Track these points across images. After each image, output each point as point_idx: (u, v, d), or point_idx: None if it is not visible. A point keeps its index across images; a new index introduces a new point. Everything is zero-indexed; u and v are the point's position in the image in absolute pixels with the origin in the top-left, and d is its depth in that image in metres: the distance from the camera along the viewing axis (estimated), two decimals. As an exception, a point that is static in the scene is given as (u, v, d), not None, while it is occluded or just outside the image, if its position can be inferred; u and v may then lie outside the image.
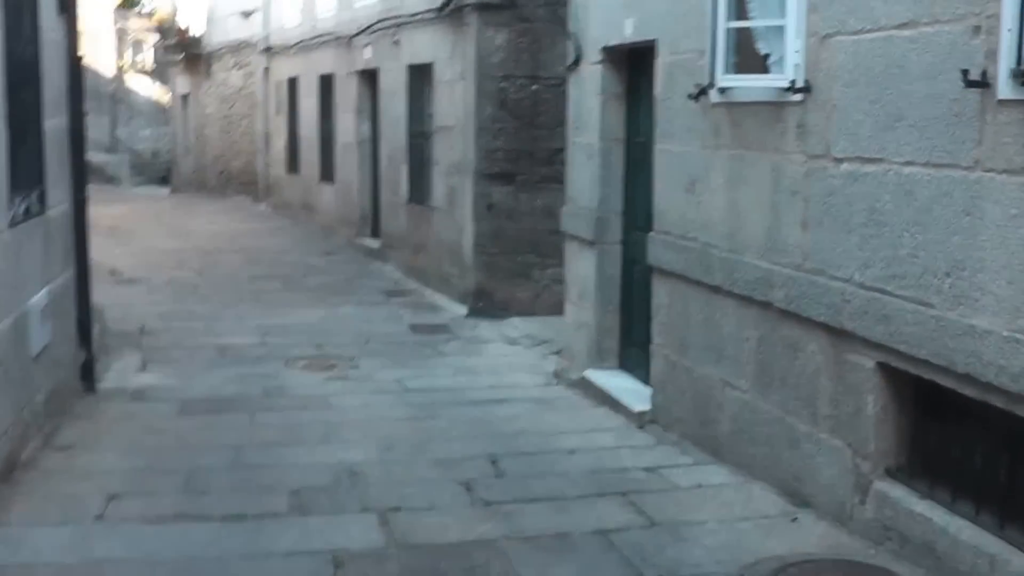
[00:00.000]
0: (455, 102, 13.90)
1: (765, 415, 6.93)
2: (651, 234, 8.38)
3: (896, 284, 5.64)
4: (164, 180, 37.99)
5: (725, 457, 7.43)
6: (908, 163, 5.54)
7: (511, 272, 13.50)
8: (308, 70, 21.84)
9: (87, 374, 9.57)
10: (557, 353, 11.39)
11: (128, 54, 46.52)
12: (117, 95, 46.79)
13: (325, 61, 20.48)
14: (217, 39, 29.59)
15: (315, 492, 7.00)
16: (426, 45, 15.05)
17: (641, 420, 8.50)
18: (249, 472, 7.47)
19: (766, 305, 6.81)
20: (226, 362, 11.02)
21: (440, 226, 14.60)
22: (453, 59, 13.99)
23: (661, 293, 8.28)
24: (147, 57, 44.26)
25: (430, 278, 15.02)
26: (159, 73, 42.03)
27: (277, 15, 24.08)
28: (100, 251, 18.42)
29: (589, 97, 9.59)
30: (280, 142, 24.38)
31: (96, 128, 46.58)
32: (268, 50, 24.86)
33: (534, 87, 13.34)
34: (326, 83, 20.59)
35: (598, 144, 9.44)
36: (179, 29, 32.34)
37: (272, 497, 6.91)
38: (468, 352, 11.66)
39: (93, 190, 30.41)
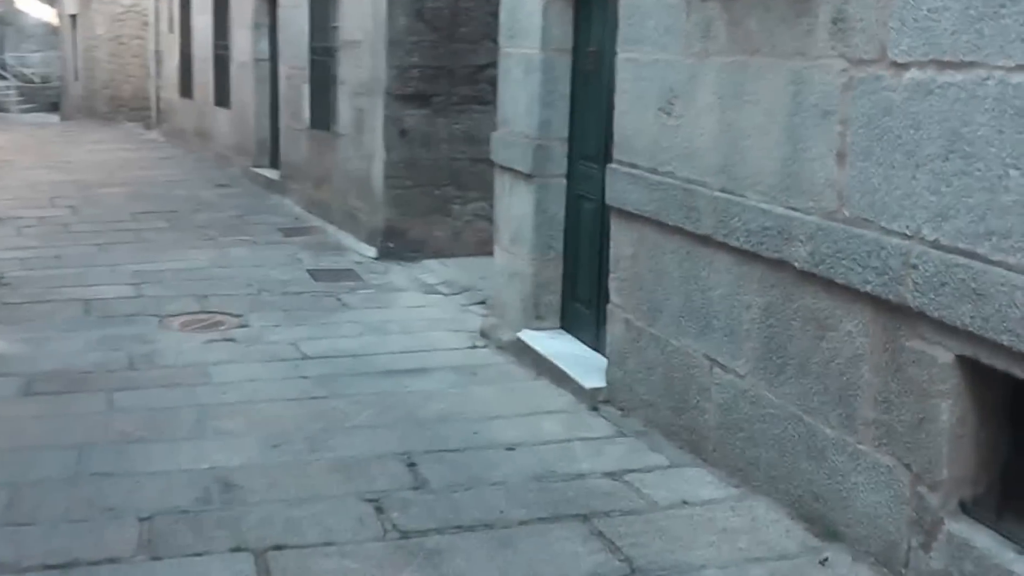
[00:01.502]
0: (364, 13, 11.88)
1: (773, 410, 5.14)
2: (611, 166, 6.52)
3: (993, 245, 3.84)
4: (55, 107, 35.40)
5: (711, 457, 5.64)
6: (1020, 67, 3.73)
7: (427, 207, 11.59)
8: (201, -17, 19.63)
9: (-92, 345, 7.64)
10: (482, 304, 9.55)
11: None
12: (5, 18, 43.95)
13: (218, -27, 18.31)
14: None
15: (173, 519, 5.13)
16: (328, -51, 13.01)
17: (594, 399, 6.69)
18: (93, 486, 5.56)
19: (779, 264, 4.99)
20: (90, 321, 9.03)
21: (346, 155, 12.62)
22: (359, -37, 11.98)
23: (623, 241, 6.43)
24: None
25: (334, 214, 13.05)
26: (51, -7, 39.26)
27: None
28: (-32, 187, 16.49)
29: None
30: (172, 64, 22.12)
31: (-17, 52, 43.89)
32: (159, -37, 22.58)
33: (454, -6, 11.40)
34: (220, -3, 18.42)
35: (539, 56, 7.54)
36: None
37: (116, 528, 5.06)
38: (377, 303, 9.75)
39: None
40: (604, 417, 6.50)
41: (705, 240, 5.55)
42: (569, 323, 7.74)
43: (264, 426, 6.46)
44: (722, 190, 5.41)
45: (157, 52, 23.30)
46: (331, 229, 12.94)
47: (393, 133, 11.37)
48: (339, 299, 9.84)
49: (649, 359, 6.18)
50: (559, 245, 7.74)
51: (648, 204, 6.03)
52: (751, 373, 5.29)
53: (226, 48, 18.16)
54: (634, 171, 6.20)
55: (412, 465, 5.77)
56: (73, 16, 31.02)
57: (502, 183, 8.27)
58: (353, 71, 12.24)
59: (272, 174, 15.93)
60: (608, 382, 6.66)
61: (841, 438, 4.67)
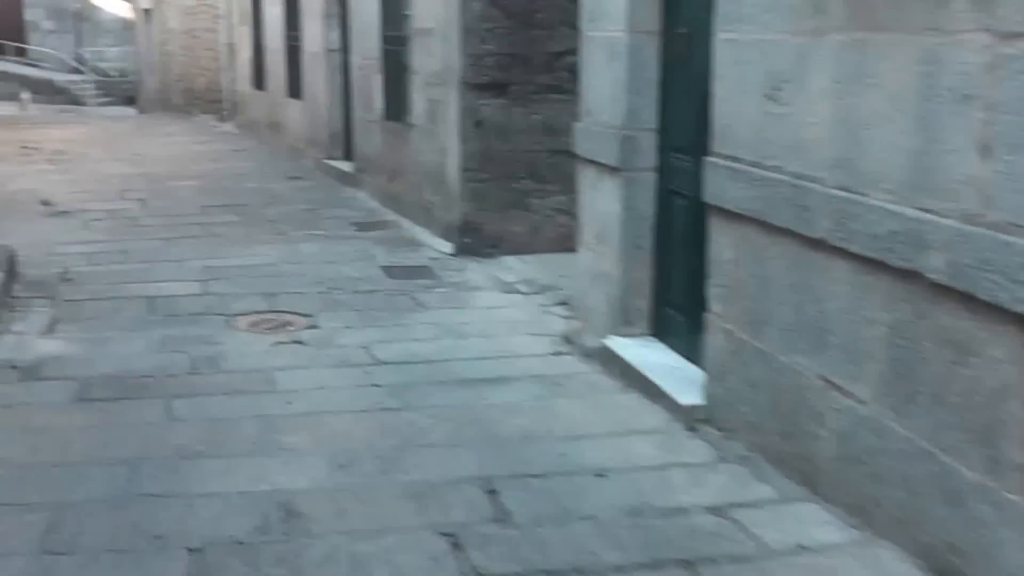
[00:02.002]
0: (436, 0, 11.33)
1: (900, 444, 4.49)
2: (708, 159, 5.89)
3: None
4: (132, 100, 35.25)
5: (826, 492, 4.99)
6: None
7: (504, 202, 11.00)
8: (273, -27, 19.17)
9: (-37, 346, 7.20)
10: (563, 305, 8.95)
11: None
12: (82, 13, 43.94)
13: (290, -38, 17.84)
14: (180, -54, 26.80)
15: (227, 551, 4.61)
16: (401, -66, 12.45)
17: (691, 418, 6.05)
18: (141, 509, 5.05)
19: (908, 275, 4.33)
20: (154, 320, 8.56)
21: (420, 147, 12.06)
22: (432, -52, 11.41)
23: (723, 243, 5.80)
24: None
25: (409, 208, 12.50)
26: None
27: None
28: (37, 179, 16.03)
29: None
30: (245, 56, 21.70)
31: (61, 48, 43.91)
32: (231, -46, 22.17)
33: (532, -22, 10.80)
34: (292, -14, 17.92)
35: (625, 39, 6.91)
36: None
37: (162, 561, 4.55)
38: (454, 303, 9.19)
39: (54, 112, 27.83)
40: (703, 439, 5.86)
41: (819, 244, 4.90)
42: (660, 330, 7.12)
43: (332, 442, 5.91)
44: (839, 187, 4.77)
45: (229, 44, 22.91)
46: (406, 224, 12.40)
47: (468, 124, 10.79)
48: (414, 298, 9.29)
49: (754, 376, 5.55)
50: (649, 245, 7.12)
51: (751, 202, 5.39)
52: (874, 400, 4.64)
53: (297, 39, 17.68)
54: (735, 165, 5.57)
55: (493, 492, 5.18)
56: (147, 10, 30.80)
57: (586, 177, 7.66)
58: (426, 60, 11.68)
59: (345, 166, 15.43)
60: (707, 399, 6.02)
61: (984, 483, 4.02)
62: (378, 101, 13.55)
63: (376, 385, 6.92)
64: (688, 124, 6.60)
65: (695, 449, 5.76)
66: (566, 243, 10.89)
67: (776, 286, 5.30)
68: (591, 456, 5.65)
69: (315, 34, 16.53)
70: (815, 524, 4.83)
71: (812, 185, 4.94)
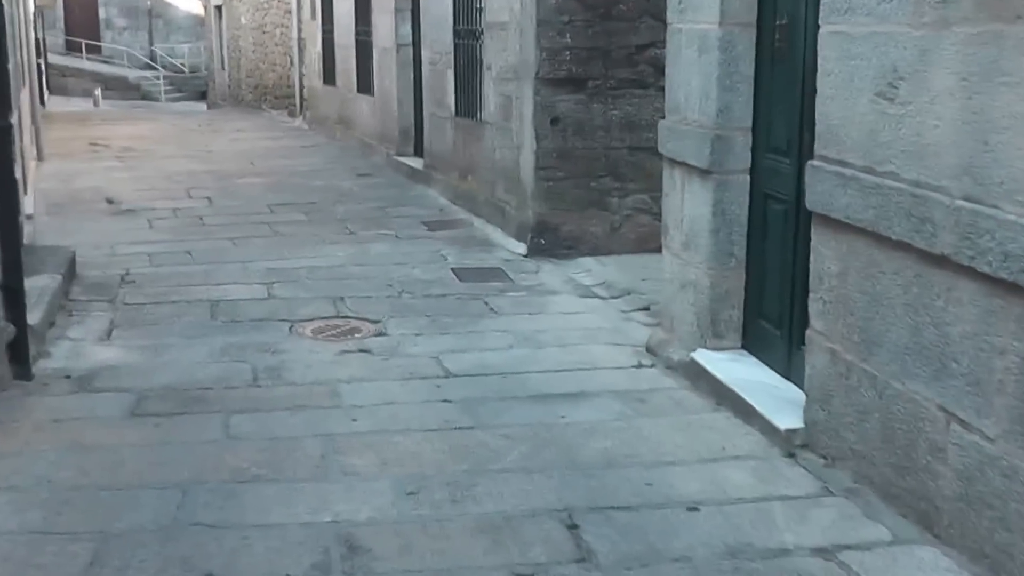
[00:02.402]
0: (510, -9, 10.88)
1: (1039, 483, 3.97)
2: (811, 163, 5.35)
3: None
4: (203, 96, 35.16)
5: (945, 534, 4.44)
6: None
7: (581, 201, 10.50)
8: (343, -33, 18.79)
9: (17, 355, 6.82)
10: (644, 311, 8.48)
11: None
12: (154, 10, 44.05)
13: (361, -46, 17.45)
14: (252, -59, 26.53)
15: (283, 594, 4.17)
16: (475, -76, 12.00)
17: (789, 443, 5.52)
18: (192, 541, 4.64)
19: (1052, 296, 3.82)
20: (216, 326, 8.16)
21: (493, 144, 11.60)
22: (508, -63, 10.94)
23: (828, 255, 5.26)
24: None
25: (481, 206, 12.05)
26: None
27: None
28: (104, 176, 15.77)
29: (702, -35, 6.56)
30: (315, 51, 21.36)
31: (133, 44, 44.04)
32: (303, -52, 21.83)
33: (611, -32, 10.30)
34: (362, -20, 17.52)
35: (716, 31, 6.40)
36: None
37: (212, 605, 4.10)
38: (528, 309, 8.71)
39: (126, 108, 27.67)
40: (803, 467, 5.33)
41: (942, 261, 4.37)
42: (752, 344, 6.60)
43: (399, 465, 5.46)
44: (966, 198, 4.23)
45: (300, 39, 22.58)
46: (478, 223, 11.94)
47: (544, 120, 10.31)
48: (486, 303, 8.83)
49: (862, 401, 5.01)
50: (741, 252, 6.59)
51: (862, 211, 4.86)
52: (1004, 437, 4.10)
53: (368, 34, 17.28)
54: (843, 170, 5.04)
55: (574, 527, 4.70)
56: (218, 7, 30.64)
57: (672, 178, 7.15)
58: (500, 55, 11.21)
59: (416, 163, 15.00)
60: (807, 423, 5.49)
61: None
62: (450, 97, 13.11)
63: (447, 400, 6.46)
64: (786, 123, 6.08)
65: (796, 479, 5.23)
66: (646, 244, 10.45)
67: (890, 305, 4.77)
68: (681, 485, 5.15)
69: (386, 28, 16.12)
70: (934, 571, 4.30)
71: (934, 195, 4.41)
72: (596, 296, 9.13)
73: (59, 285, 8.56)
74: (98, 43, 43.63)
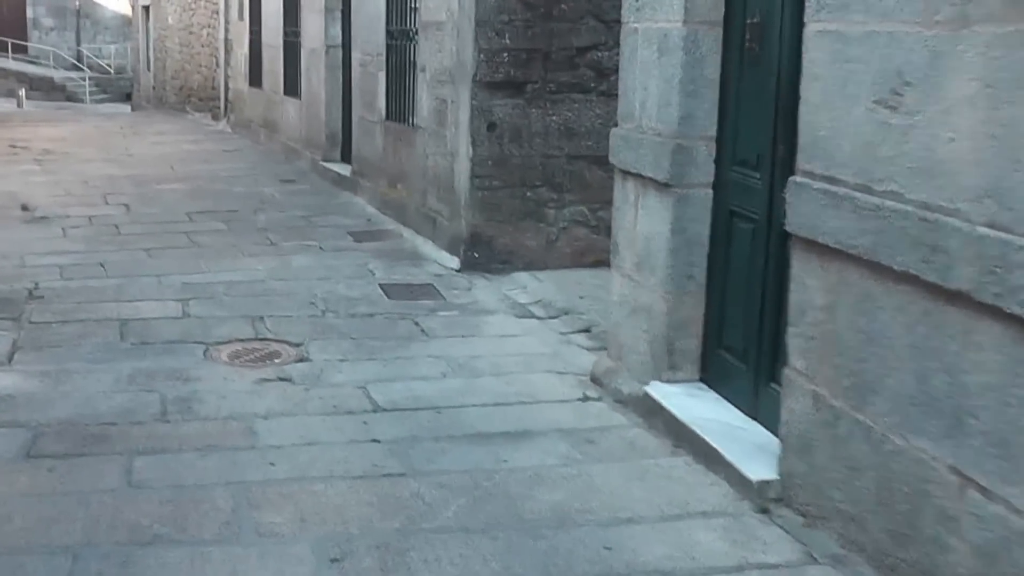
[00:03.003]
0: (446, -11, 10.10)
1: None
2: (794, 179, 4.61)
3: None
4: (129, 97, 34.02)
5: (961, 616, 3.75)
6: None
7: (516, 212, 9.73)
8: (271, -35, 17.87)
9: None
10: (586, 333, 7.77)
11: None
12: (83, 10, 42.77)
13: (290, -48, 16.56)
14: (178, -62, 25.50)
15: None
16: (408, -82, 11.20)
17: (763, 497, 4.77)
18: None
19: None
20: (125, 349, 7.29)
21: (425, 150, 10.79)
22: (442, -67, 10.16)
23: (813, 284, 4.52)
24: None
25: (411, 216, 11.24)
26: (127, -17, 37.97)
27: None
28: (19, 181, 14.65)
29: (661, -44, 5.82)
30: (241, 52, 20.39)
31: (60, 44, 42.69)
32: (230, -54, 20.87)
33: (553, -35, 9.56)
34: (291, -22, 16.62)
35: (680, 30, 5.65)
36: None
37: None
38: (462, 330, 7.93)
39: (50, 109, 26.50)
40: (780, 526, 4.58)
41: (957, 298, 3.65)
42: (712, 377, 5.86)
43: (321, 523, 4.66)
44: (990, 225, 3.52)
45: (227, 40, 21.60)
46: (407, 233, 11.14)
47: (480, 126, 9.54)
48: (417, 323, 8.04)
49: (853, 455, 4.28)
50: (702, 275, 5.86)
51: (857, 236, 4.13)
52: (1039, 506, 3.40)
53: (296, 35, 16.38)
54: (833, 188, 4.31)
55: (526, 608, 3.94)
56: (146, 7, 29.59)
57: (624, 192, 6.40)
58: (435, 56, 10.42)
59: (343, 169, 14.13)
60: (783, 475, 4.76)
61: None
62: (381, 100, 12.28)
63: (375, 440, 5.66)
64: (756, 133, 5.36)
65: (773, 541, 4.49)
66: (583, 259, 9.76)
67: (890, 346, 4.04)
68: (644, 550, 4.39)
69: (315, 29, 15.25)
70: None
71: (948, 220, 3.69)
72: (533, 316, 8.38)
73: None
74: (25, 43, 42.24)
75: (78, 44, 42.55)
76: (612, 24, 9.48)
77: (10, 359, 7.02)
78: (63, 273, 9.36)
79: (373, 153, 12.60)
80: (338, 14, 14.59)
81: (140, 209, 12.61)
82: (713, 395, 5.79)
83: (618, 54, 9.50)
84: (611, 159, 6.51)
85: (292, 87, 16.81)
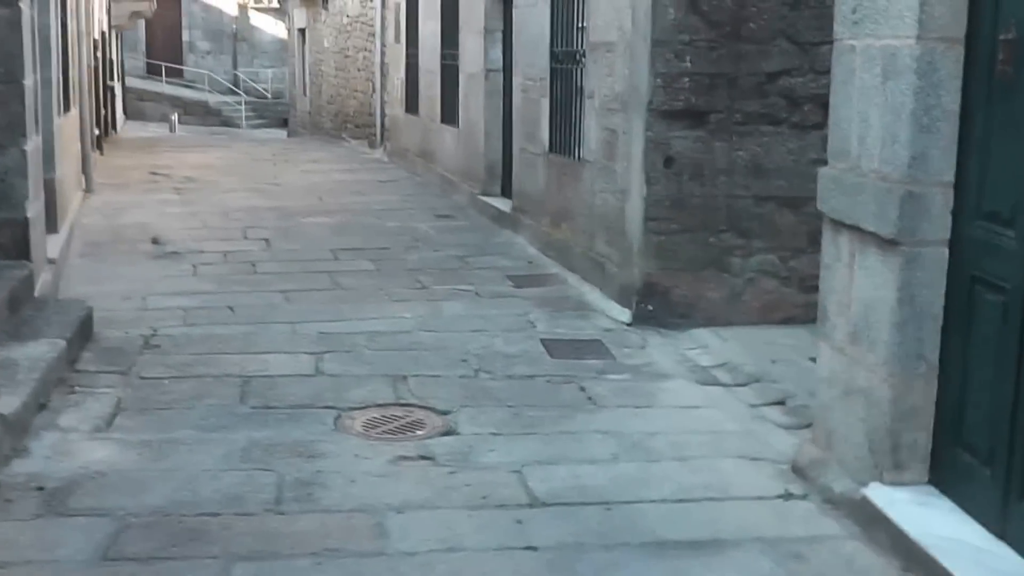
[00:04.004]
0: (619, 5, 9.23)
1: None
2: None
3: None
4: (286, 123, 34.02)
5: None
6: None
7: (697, 259, 8.84)
8: (430, -16, 17.29)
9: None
10: (779, 405, 6.89)
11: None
12: (239, 33, 43.17)
13: (450, -31, 15.94)
14: (336, -40, 25.22)
15: None
16: (577, -71, 10.43)
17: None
18: None
19: None
20: (243, 414, 6.60)
21: (593, 187, 9.97)
22: (617, -56, 9.36)
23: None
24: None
25: (576, 260, 10.42)
26: (284, 8, 38.09)
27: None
28: (154, 211, 14.20)
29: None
30: (398, 77, 19.88)
31: (216, 69, 43.11)
32: (388, -36, 20.41)
33: (741, -22, 8.67)
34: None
35: (912, 49, 4.73)
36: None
37: None
38: (636, 398, 7.07)
39: (203, 134, 26.47)
40: None
41: None
42: (945, 480, 4.89)
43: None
44: None
45: (383, 64, 21.14)
46: (572, 279, 10.31)
47: (656, 161, 8.68)
48: (583, 388, 7.22)
49: None
50: (934, 355, 4.90)
51: None
52: None
53: (455, 58, 15.73)
54: None
55: None
56: (302, 30, 29.44)
57: (836, 247, 5.46)
58: (604, 81, 9.60)
59: (502, 205, 13.39)
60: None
61: None
62: (543, 130, 11.49)
63: (531, 548, 4.82)
64: (1010, 179, 4.42)
65: None
66: (772, 314, 8.85)
67: None
68: None
69: (474, 51, 14.59)
70: None
71: None
72: (718, 382, 7.50)
73: (60, 353, 7.11)
74: (180, 67, 42.77)
75: (235, 68, 42.95)
76: (807, 47, 8.63)
77: (109, 423, 6.39)
78: (187, 318, 8.79)
79: (535, 188, 11.83)
80: (499, 35, 13.89)
81: (281, 245, 12.04)
82: (948, 504, 4.82)
83: (813, 81, 8.76)
84: (819, 206, 5.58)
85: (450, 114, 16.18)
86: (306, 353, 7.86)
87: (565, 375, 7.50)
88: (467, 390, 7.12)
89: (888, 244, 4.90)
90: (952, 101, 4.75)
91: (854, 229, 5.22)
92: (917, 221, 4.80)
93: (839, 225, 5.39)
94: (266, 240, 12.29)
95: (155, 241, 11.98)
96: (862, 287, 5.17)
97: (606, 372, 7.63)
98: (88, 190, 15.06)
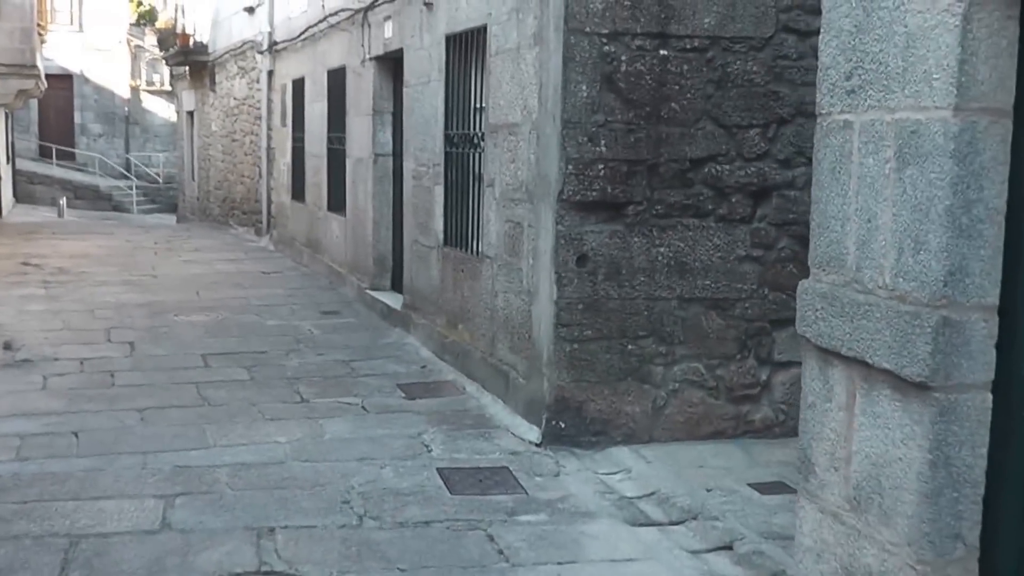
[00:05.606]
0: (524, 82, 7.82)
1: None
2: None
3: None
4: (176, 208, 32.21)
5: None
6: None
7: (615, 370, 7.39)
8: (316, 66, 15.76)
9: None
10: (727, 550, 5.45)
11: (144, 72, 41.05)
12: (132, 116, 41.31)
13: (335, 51, 14.41)
14: (222, 43, 23.60)
15: None
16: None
17: None
18: None
19: None
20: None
21: (494, 285, 8.49)
22: (520, 14, 7.91)
23: None
24: (165, 75, 38.43)
25: (476, 366, 8.90)
26: (175, 91, 36.43)
27: (283, 4, 18.05)
28: (16, 309, 12.27)
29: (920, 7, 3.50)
30: (284, 161, 18.31)
31: (108, 152, 41.10)
32: (272, 48, 18.84)
33: (661, 52, 7.26)
34: (337, 80, 14.40)
35: (946, 122, 3.33)
36: (180, 34, 26.30)
37: None
38: (556, 550, 5.58)
39: (92, 219, 24.49)
40: None
41: None
42: None
43: None
44: None
45: (269, 149, 19.54)
46: (471, 388, 8.79)
47: (568, 258, 7.24)
48: (492, 538, 5.72)
49: None
50: (974, 534, 3.47)
51: None
52: None
53: (342, 141, 14.20)
54: None
55: None
56: (191, 112, 27.74)
57: (826, 382, 4.01)
58: (507, 167, 8.16)
59: (393, 300, 11.82)
60: None
61: None
62: (438, 220, 10.00)
63: None
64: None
65: None
66: (699, 429, 7.54)
67: None
68: None
69: (361, 134, 13.07)
70: None
71: None
72: (650, 521, 6.07)
73: None
74: (72, 149, 40.67)
75: (127, 151, 40.98)
76: (735, 130, 7.36)
77: None
78: (21, 449, 7.12)
79: (429, 284, 10.30)
80: (388, 117, 12.41)
81: (147, 349, 10.34)
82: None
83: (741, 168, 7.40)
84: (800, 328, 4.13)
85: (337, 202, 14.61)
86: (154, 497, 6.22)
87: (468, 519, 5.98)
88: (348, 546, 5.57)
89: (914, 388, 3.46)
90: (997, 195, 3.36)
91: (854, 362, 3.77)
92: (955, 358, 3.38)
93: (829, 355, 3.94)
94: (130, 344, 10.58)
95: (6, 346, 10.24)
96: (869, 440, 3.72)
97: (517, 512, 6.13)
98: (-60, 285, 13.23)
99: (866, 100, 3.71)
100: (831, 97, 3.92)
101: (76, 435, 7.47)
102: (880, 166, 3.63)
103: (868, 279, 3.70)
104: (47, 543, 5.53)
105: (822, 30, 3.94)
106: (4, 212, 25.09)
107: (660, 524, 6.02)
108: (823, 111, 3.98)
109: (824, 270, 4.00)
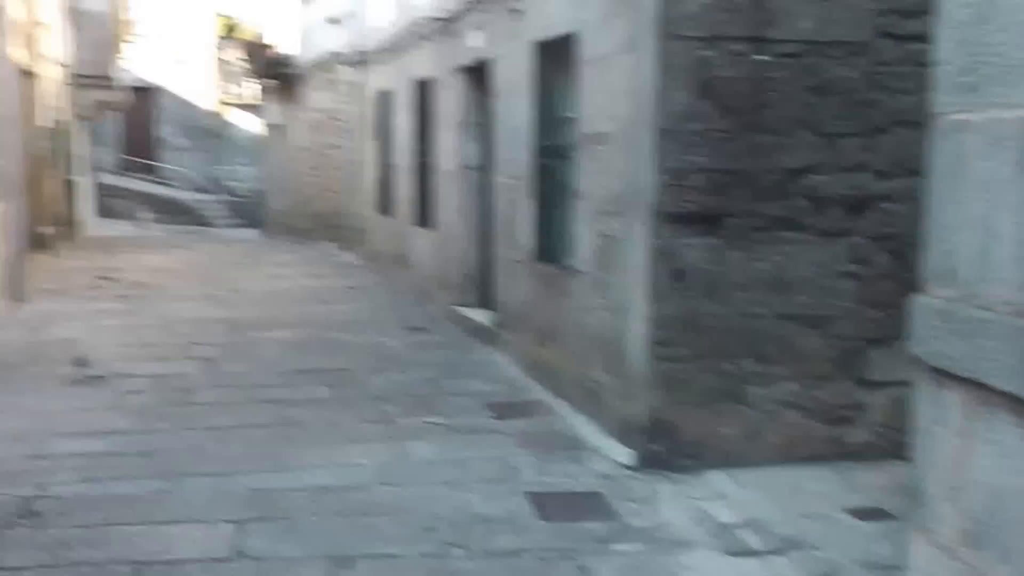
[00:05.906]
0: (615, 91, 7.70)
1: None
2: None
3: None
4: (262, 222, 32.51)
5: None
6: None
7: (712, 390, 7.24)
8: (402, 77, 15.78)
9: None
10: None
11: (229, 86, 41.50)
12: (215, 130, 41.74)
13: (422, 61, 14.41)
14: (308, 56, 23.78)
15: None
16: (564, 5, 8.91)
17: None
18: None
19: None
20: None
21: (585, 303, 8.37)
22: (612, 19, 7.79)
23: None
24: (250, 88, 38.81)
25: (567, 386, 8.78)
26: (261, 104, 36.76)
27: (370, 15, 18.11)
28: (90, 323, 12.41)
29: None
30: (370, 175, 18.36)
31: (193, 166, 41.59)
32: (359, 60, 18.92)
33: (759, 58, 7.11)
34: (424, 91, 14.44)
35: (1080, 126, 3.18)
36: (266, 47, 26.51)
37: None
38: (650, 580, 5.45)
39: (174, 234, 24.80)
40: None
41: None
42: None
43: None
44: None
45: (355, 162, 19.61)
46: (561, 408, 8.66)
47: (663, 273, 7.11)
48: (584, 570, 5.57)
49: None
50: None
51: None
52: None
53: (429, 154, 14.19)
54: None
55: None
56: (277, 126, 27.98)
57: (939, 405, 3.83)
58: (598, 179, 8.04)
59: (481, 317, 11.75)
60: None
61: None
62: (527, 234, 9.90)
63: None
64: None
65: None
66: (796, 451, 7.39)
67: None
68: None
69: (449, 147, 13.05)
70: None
71: None
72: (749, 551, 5.90)
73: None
74: (155, 163, 41.22)
75: (210, 165, 41.47)
76: (834, 139, 7.15)
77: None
78: (88, 470, 7.10)
79: (517, 300, 10.21)
80: (476, 130, 12.35)
81: (226, 366, 10.37)
82: None
83: (840, 179, 7.19)
84: (912, 348, 3.95)
85: (424, 216, 14.61)
86: (226, 522, 6.17)
87: (560, 548, 5.86)
88: None
89: (1041, 414, 3.28)
90: None
91: (971, 384, 3.59)
92: (1088, 383, 3.19)
93: (944, 376, 3.75)
94: (209, 360, 10.62)
95: (78, 362, 10.30)
96: (986, 469, 3.53)
97: (611, 540, 6.00)
98: (17, 298, 13.32)
99: (986, 97, 3.54)
100: (948, 96, 3.74)
101: (146, 455, 7.46)
102: (1001, 169, 3.45)
103: (987, 294, 3.52)
104: (109, 571, 5.49)
105: (938, 23, 3.76)
106: (84, 226, 25.47)
107: (759, 553, 5.85)
108: (939, 109, 3.80)
109: (938, 284, 3.81)
